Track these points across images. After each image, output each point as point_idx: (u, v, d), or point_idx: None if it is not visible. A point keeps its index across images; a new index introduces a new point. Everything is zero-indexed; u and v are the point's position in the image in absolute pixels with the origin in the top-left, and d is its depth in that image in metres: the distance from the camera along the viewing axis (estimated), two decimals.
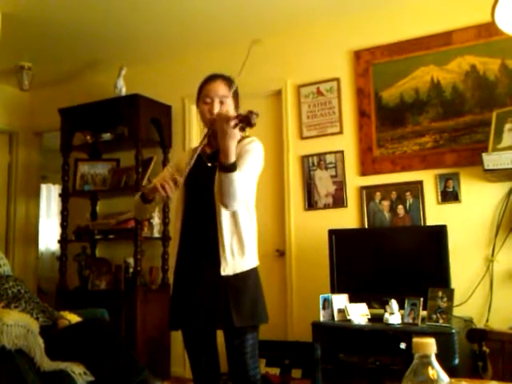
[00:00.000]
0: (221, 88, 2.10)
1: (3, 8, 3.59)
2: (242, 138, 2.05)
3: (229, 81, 2.13)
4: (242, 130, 1.82)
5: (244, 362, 1.99)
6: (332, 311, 3.14)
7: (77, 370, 2.67)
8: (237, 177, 1.85)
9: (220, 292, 1.97)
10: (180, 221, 2.11)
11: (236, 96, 2.14)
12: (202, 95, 2.12)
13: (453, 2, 3.46)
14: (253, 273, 2.06)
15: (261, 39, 2.04)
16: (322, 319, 3.14)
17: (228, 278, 1.98)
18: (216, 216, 2.00)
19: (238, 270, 2.00)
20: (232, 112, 2.04)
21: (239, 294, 1.98)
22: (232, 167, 1.84)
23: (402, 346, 2.80)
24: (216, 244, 1.99)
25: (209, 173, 2.02)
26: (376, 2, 3.59)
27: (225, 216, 2.00)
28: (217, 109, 2.06)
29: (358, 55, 3.75)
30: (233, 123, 1.78)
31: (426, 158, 3.47)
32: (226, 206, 1.94)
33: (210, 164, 2.02)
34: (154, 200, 2.10)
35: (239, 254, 2.01)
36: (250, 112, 1.74)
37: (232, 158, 1.84)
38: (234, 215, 2.01)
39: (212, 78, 2.14)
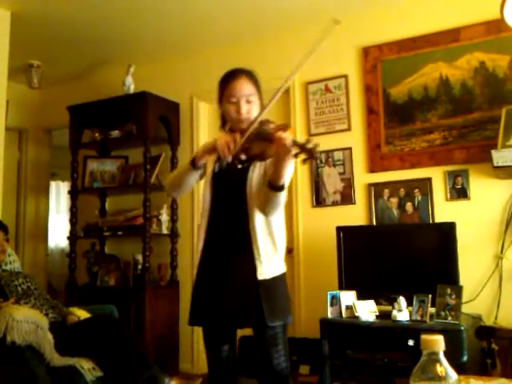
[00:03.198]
0: (247, 86, 2.02)
1: (13, 7, 3.62)
2: None
3: (253, 77, 2.07)
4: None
5: (275, 353, 1.98)
6: (340, 308, 3.14)
7: (86, 365, 2.69)
8: (284, 195, 1.87)
9: (251, 292, 1.95)
10: (206, 218, 2.08)
11: (260, 92, 2.08)
12: (227, 94, 2.03)
13: None
14: (284, 277, 2.07)
15: (339, 20, 1.94)
16: (329, 316, 3.14)
17: (261, 282, 1.96)
18: (248, 218, 1.98)
19: (273, 275, 1.99)
20: (256, 110, 2.00)
21: (270, 293, 1.97)
22: (283, 187, 1.84)
23: (411, 342, 2.79)
24: (249, 246, 1.98)
25: (239, 174, 2.00)
26: None
27: (258, 219, 1.98)
28: (244, 108, 2.00)
29: (366, 52, 3.74)
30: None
31: (434, 155, 3.46)
32: (267, 215, 1.96)
33: (240, 166, 1.97)
34: (202, 168, 2.05)
35: (273, 258, 2.00)
36: (315, 145, 1.66)
37: (285, 180, 1.82)
38: (266, 218, 1.99)
39: (236, 75, 2.05)
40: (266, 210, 1.93)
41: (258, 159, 1.94)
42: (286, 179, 1.84)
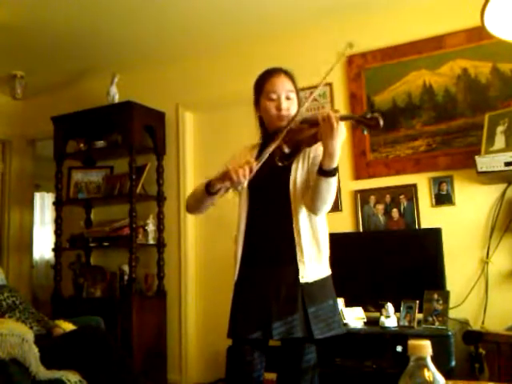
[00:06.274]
0: (286, 83, 2.03)
1: None
2: None
3: (291, 75, 2.07)
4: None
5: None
6: None
7: (72, 378, 2.65)
8: (335, 181, 1.79)
9: (297, 301, 1.88)
10: (244, 225, 2.01)
11: (298, 91, 2.07)
12: (266, 91, 2.02)
13: (443, 6, 3.48)
14: (329, 280, 2.01)
15: (353, 43, 2.03)
16: None
17: (305, 285, 1.90)
18: (293, 220, 1.92)
19: (317, 277, 1.93)
20: (295, 109, 1.99)
21: (317, 303, 1.91)
22: (335, 171, 1.77)
23: (399, 348, 2.80)
24: (293, 249, 1.91)
25: (280, 173, 1.94)
26: (368, 7, 3.60)
27: (303, 219, 1.92)
28: (285, 104, 1.99)
29: (350, 60, 3.76)
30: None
31: (419, 162, 3.48)
32: (316, 211, 1.87)
33: (280, 164, 1.90)
34: (220, 192, 1.92)
35: (317, 260, 1.95)
36: (378, 113, 1.64)
37: (336, 162, 1.75)
38: (311, 219, 1.94)
39: (275, 73, 2.05)
40: (316, 204, 1.83)
41: (306, 145, 1.89)
42: (337, 161, 1.75)
